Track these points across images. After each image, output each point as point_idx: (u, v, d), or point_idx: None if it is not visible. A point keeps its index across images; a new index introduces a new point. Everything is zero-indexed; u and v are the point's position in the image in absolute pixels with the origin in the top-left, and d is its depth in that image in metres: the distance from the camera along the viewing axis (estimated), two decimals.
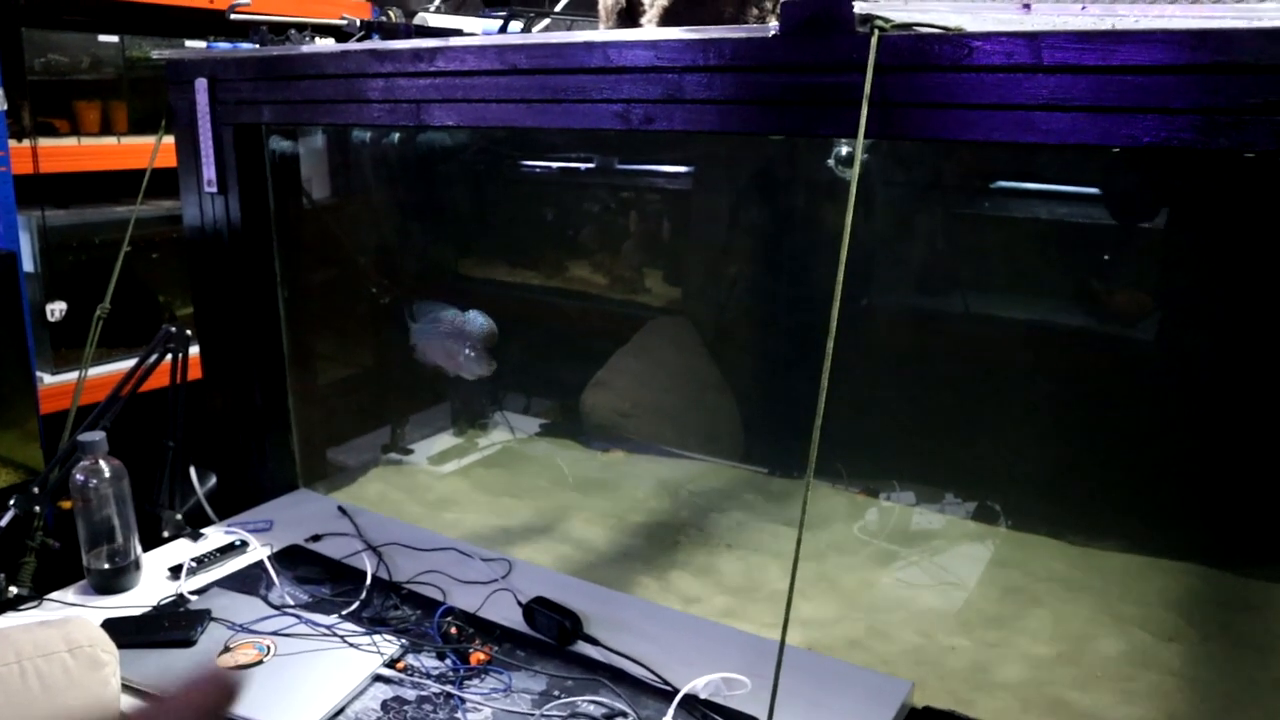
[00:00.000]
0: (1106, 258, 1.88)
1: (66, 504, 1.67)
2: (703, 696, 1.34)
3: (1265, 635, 1.74)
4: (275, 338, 2.00)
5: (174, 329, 1.74)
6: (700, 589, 1.83)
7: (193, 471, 1.94)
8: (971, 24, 1.15)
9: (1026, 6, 1.13)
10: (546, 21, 1.82)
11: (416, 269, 2.55)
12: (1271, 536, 1.86)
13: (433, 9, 2.01)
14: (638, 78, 1.32)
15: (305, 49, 1.70)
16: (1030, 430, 1.94)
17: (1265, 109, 0.96)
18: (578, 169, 2.65)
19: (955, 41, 1.12)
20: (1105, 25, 1.06)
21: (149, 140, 2.00)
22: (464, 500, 2.15)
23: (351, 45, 1.63)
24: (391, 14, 1.70)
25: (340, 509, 1.93)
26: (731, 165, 2.38)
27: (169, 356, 1.76)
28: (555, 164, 2.61)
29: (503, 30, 1.73)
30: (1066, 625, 1.72)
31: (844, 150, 1.67)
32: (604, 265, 2.68)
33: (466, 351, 1.95)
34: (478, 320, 1.98)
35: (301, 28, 1.88)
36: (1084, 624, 1.73)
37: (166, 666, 1.38)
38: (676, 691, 1.33)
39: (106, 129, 2.56)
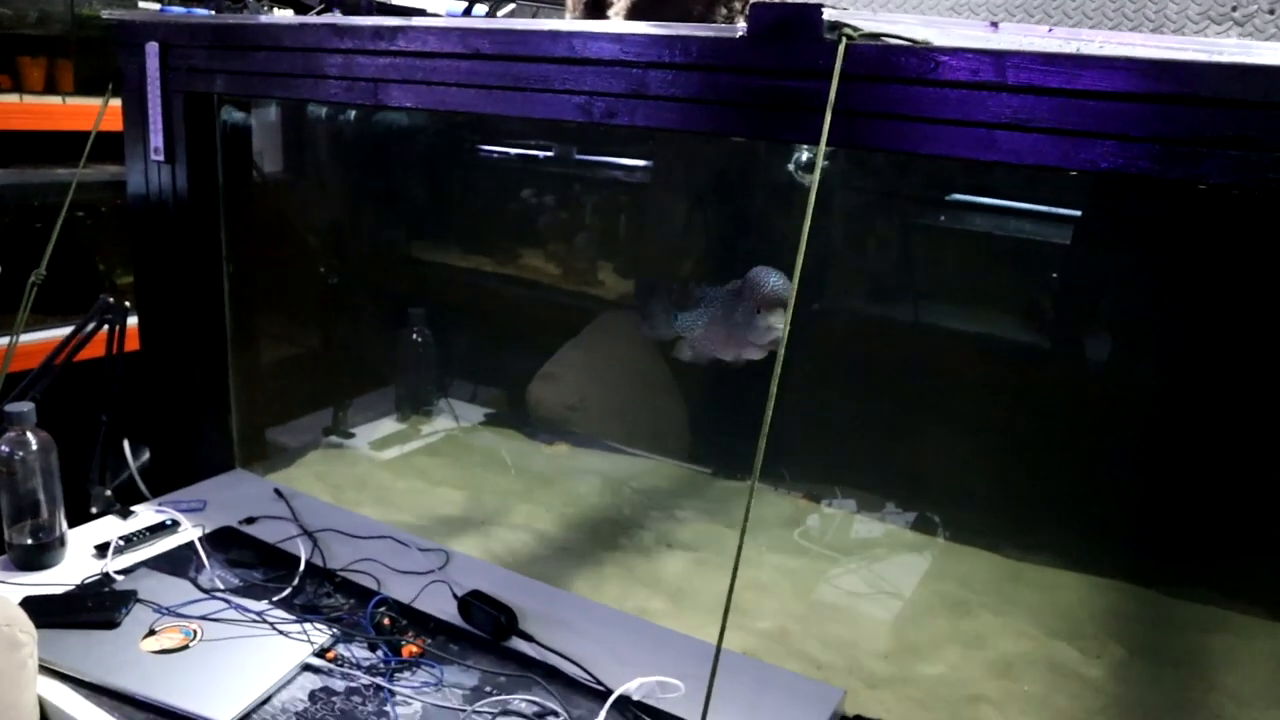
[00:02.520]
0: (1054, 275, 1.90)
1: None
2: (636, 698, 1.33)
3: (1187, 654, 1.77)
4: (218, 313, 1.95)
5: (111, 300, 1.69)
6: (639, 588, 1.82)
7: (126, 445, 1.89)
8: (939, 38, 1.14)
9: (994, 25, 1.13)
10: (511, 7, 1.79)
11: (366, 250, 2.50)
12: (1196, 557, 1.91)
13: None
14: (602, 70, 1.30)
15: (263, 19, 1.66)
16: (971, 442, 1.96)
17: (1220, 143, 0.97)
18: (536, 156, 2.62)
19: (922, 55, 1.12)
20: (1070, 49, 1.06)
21: (95, 102, 1.94)
22: (404, 488, 2.12)
23: (311, 18, 1.59)
24: None
25: (276, 491, 1.89)
26: (691, 162, 2.38)
27: (105, 327, 1.71)
28: (513, 150, 2.58)
29: (467, 13, 1.70)
30: (998, 639, 1.74)
31: (804, 156, 1.67)
32: (557, 255, 2.66)
33: (756, 322, 1.48)
34: (769, 278, 1.51)
35: None
36: (1015, 638, 1.75)
37: (88, 648, 1.34)
38: (610, 692, 1.32)
39: (51, 88, 2.48)
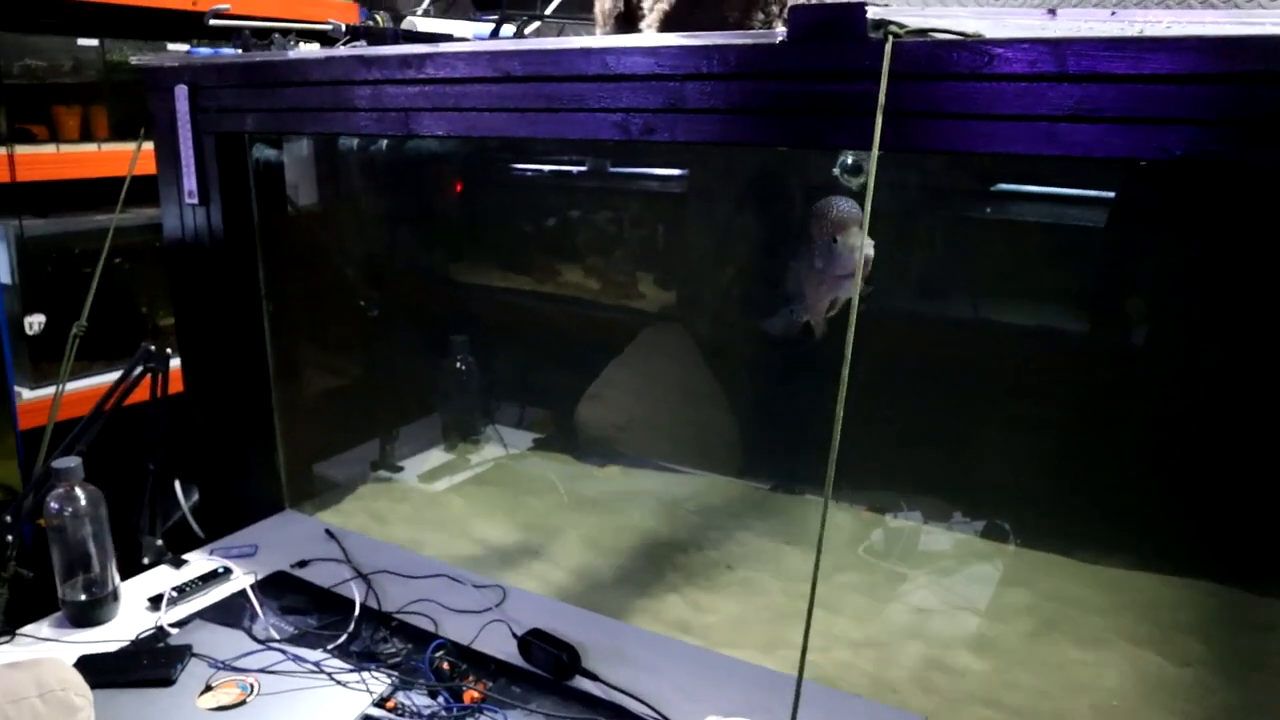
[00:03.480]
0: (1124, 268, 1.82)
1: (44, 521, 1.60)
2: None
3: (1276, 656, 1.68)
4: (260, 352, 1.93)
5: (153, 347, 1.67)
6: (702, 614, 1.76)
7: (177, 486, 1.88)
8: (991, 30, 1.08)
9: (1051, 12, 1.07)
10: (537, 24, 1.75)
11: (405, 276, 2.48)
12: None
13: (420, 12, 1.94)
14: (637, 86, 1.25)
15: (290, 54, 1.64)
16: (1039, 444, 1.89)
17: None
18: (570, 172, 2.59)
19: (974, 49, 1.06)
20: (1134, 32, 0.99)
21: (130, 147, 1.93)
22: (456, 520, 2.09)
23: (337, 50, 1.56)
24: (379, 18, 1.63)
25: (328, 532, 1.87)
26: (729, 169, 2.33)
27: (149, 375, 1.69)
28: (546, 167, 2.55)
29: (494, 35, 1.66)
30: (1080, 650, 1.66)
31: (849, 159, 1.61)
32: (597, 270, 2.62)
33: (836, 250, 1.38)
34: (835, 203, 1.42)
35: (285, 32, 1.81)
36: (1098, 649, 1.67)
37: (144, 707, 1.31)
38: None
39: (86, 135, 2.48)
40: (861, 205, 2.00)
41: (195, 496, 2.01)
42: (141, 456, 1.75)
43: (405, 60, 1.47)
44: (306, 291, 2.09)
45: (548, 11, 1.65)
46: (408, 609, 1.59)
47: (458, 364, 2.31)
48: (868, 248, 1.31)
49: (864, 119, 1.10)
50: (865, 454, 2.08)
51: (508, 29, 1.67)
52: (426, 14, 1.87)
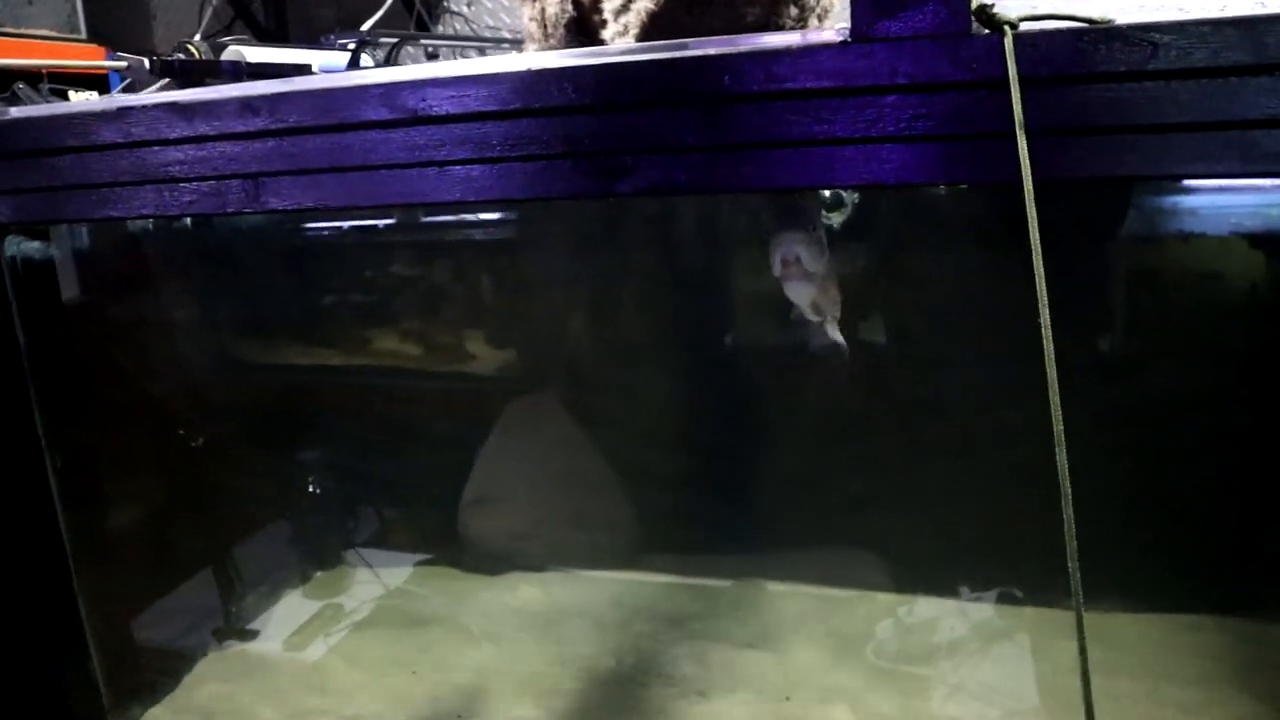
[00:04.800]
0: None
1: None
2: None
3: None
4: (49, 522, 1.40)
5: None
6: None
7: None
8: (1122, 14, 0.80)
9: None
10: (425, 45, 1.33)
11: (231, 393, 1.97)
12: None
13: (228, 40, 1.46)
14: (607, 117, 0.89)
15: (60, 109, 1.14)
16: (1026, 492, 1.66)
17: None
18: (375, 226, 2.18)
19: (1131, 39, 0.77)
20: None
21: None
22: (347, 692, 1.61)
23: (140, 97, 1.09)
24: (195, 49, 1.16)
25: None
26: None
27: None
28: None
29: (353, 65, 1.24)
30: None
31: (829, 192, 1.31)
32: (428, 336, 2.22)
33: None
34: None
35: (35, 78, 1.31)
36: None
37: None
38: None
39: None
40: (836, 243, 1.73)
41: None
42: None
43: (248, 104, 1.03)
44: (104, 426, 1.56)
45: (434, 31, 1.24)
46: None
47: (309, 486, 1.83)
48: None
49: (983, 142, 0.80)
50: (840, 525, 1.81)
51: (367, 59, 1.25)
52: (247, 42, 1.39)
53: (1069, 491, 0.74)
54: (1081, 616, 0.76)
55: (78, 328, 1.53)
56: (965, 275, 1.63)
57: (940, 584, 1.67)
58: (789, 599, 1.78)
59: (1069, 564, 0.76)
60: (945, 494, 1.66)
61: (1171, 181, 1.54)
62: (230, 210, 1.07)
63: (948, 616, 1.62)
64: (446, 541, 1.99)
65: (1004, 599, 1.64)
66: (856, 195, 1.31)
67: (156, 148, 1.08)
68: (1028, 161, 0.75)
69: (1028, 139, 0.77)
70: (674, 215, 1.91)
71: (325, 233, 2.16)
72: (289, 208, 1.04)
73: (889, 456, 1.71)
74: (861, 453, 1.74)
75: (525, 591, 1.85)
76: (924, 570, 1.70)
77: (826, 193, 1.29)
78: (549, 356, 2.15)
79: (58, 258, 1.41)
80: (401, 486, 2.14)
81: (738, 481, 1.85)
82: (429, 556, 2.00)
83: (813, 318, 1.17)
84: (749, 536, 1.83)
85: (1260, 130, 0.76)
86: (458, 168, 0.96)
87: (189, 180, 1.08)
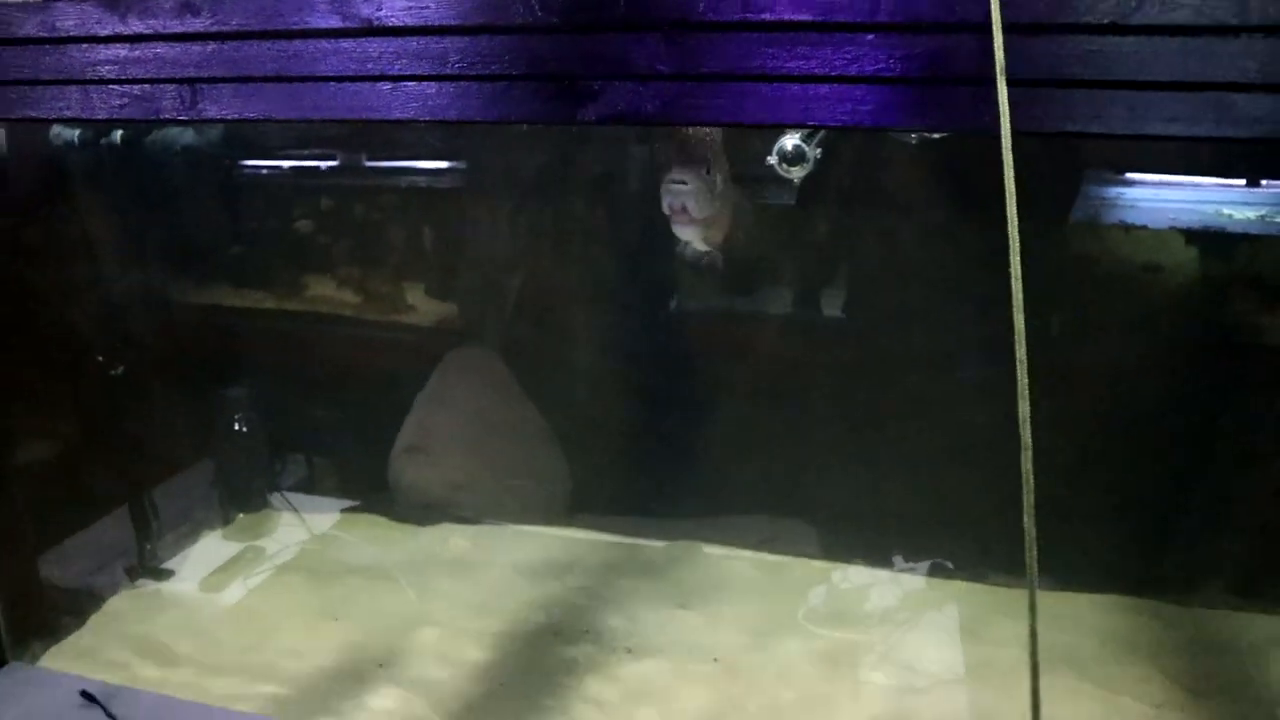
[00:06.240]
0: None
1: None
2: None
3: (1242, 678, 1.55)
4: None
5: None
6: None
7: None
8: None
9: None
10: None
11: (155, 319, 1.88)
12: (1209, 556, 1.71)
13: None
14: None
15: None
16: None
17: None
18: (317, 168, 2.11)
19: None
20: None
21: None
22: (266, 639, 1.55)
23: None
24: None
25: (84, 694, 1.30)
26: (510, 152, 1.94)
27: None
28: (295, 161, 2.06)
29: None
30: (1059, 706, 1.44)
31: (789, 144, 1.28)
32: (362, 283, 2.16)
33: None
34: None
35: None
36: (1075, 699, 1.46)
37: None
38: None
39: None
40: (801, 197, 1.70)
41: None
42: None
43: (187, 3, 0.96)
44: (17, 348, 1.48)
45: None
46: None
47: (235, 425, 1.76)
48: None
49: (955, 89, 0.77)
50: (778, 482, 1.80)
51: None
52: None
53: (1030, 474, 0.72)
54: (1035, 597, 0.75)
55: None
56: (923, 235, 1.63)
57: (873, 553, 1.68)
58: (724, 562, 1.76)
59: (1026, 543, 0.74)
60: (884, 462, 1.67)
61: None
62: (163, 117, 1.01)
63: (880, 585, 1.62)
64: (376, 489, 1.95)
65: (935, 571, 1.65)
66: (819, 150, 1.28)
67: (85, 45, 1.01)
68: (1007, 109, 0.73)
69: (1007, 86, 0.75)
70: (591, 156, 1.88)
71: (265, 171, 2.09)
72: (228, 117, 0.98)
73: (831, 423, 1.71)
74: (803, 417, 1.73)
75: (455, 543, 1.81)
76: (858, 538, 1.70)
77: (788, 145, 1.27)
78: (477, 305, 2.11)
79: None
80: (332, 432, 2.09)
81: (674, 437, 1.84)
82: (357, 503, 1.94)
83: (702, 248, 1.28)
84: (686, 496, 1.82)
85: (1240, 94, 0.75)
86: (412, 84, 0.91)
87: (119, 82, 1.01)
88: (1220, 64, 0.74)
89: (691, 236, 1.25)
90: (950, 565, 1.63)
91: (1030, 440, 0.70)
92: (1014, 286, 0.70)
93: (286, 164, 2.09)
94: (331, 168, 2.10)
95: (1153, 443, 1.69)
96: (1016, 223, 0.72)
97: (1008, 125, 0.73)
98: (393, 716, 1.39)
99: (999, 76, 0.74)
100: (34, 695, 1.32)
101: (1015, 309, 0.69)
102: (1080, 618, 1.65)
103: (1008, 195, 0.72)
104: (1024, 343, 0.70)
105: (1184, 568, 1.72)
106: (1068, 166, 1.66)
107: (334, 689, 1.44)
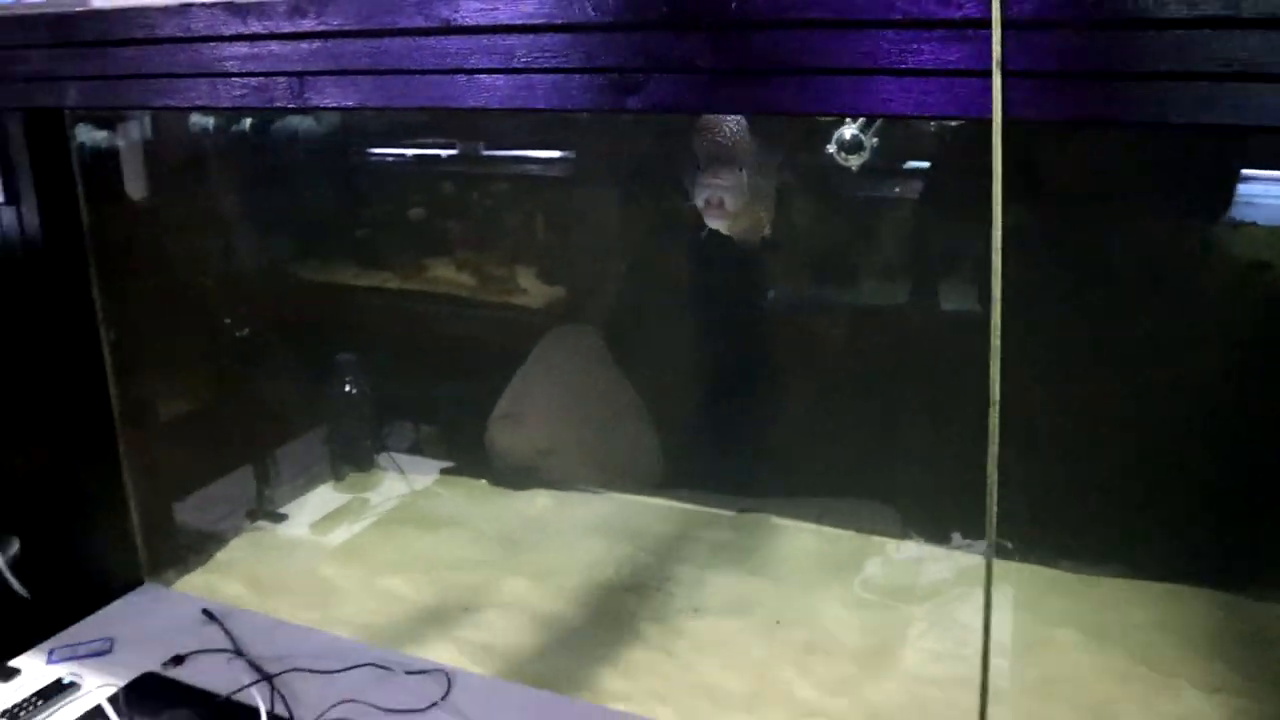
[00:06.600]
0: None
1: None
2: None
3: None
4: (98, 384, 1.51)
5: None
6: (679, 673, 1.48)
7: None
8: None
9: None
10: None
11: (279, 290, 2.07)
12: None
13: None
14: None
15: (125, 2, 1.23)
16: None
17: None
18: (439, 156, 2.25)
19: None
20: None
21: None
22: (365, 579, 1.72)
23: None
24: None
25: (206, 612, 1.48)
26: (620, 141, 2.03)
27: None
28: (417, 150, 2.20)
29: None
30: (1104, 686, 1.47)
31: (848, 134, 1.35)
32: (474, 264, 2.29)
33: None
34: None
35: None
36: (1123, 683, 1.49)
37: None
38: None
39: None
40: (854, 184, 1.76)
41: (13, 549, 1.58)
42: None
43: (297, 7, 1.10)
44: (158, 312, 1.67)
45: None
46: (329, 716, 1.24)
47: (346, 388, 1.94)
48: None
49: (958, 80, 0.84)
50: (844, 464, 1.86)
51: None
52: None
53: (997, 429, 0.78)
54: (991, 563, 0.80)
55: (136, 215, 1.63)
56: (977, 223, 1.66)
57: (933, 530, 1.73)
58: (791, 533, 1.84)
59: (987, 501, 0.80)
60: (947, 444, 1.71)
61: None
62: (276, 105, 1.15)
63: (936, 560, 1.67)
64: (475, 454, 2.09)
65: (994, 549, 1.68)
66: (875, 140, 1.34)
67: (213, 44, 1.16)
68: (1000, 101, 0.80)
69: (1002, 78, 0.81)
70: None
71: (390, 159, 2.24)
72: (328, 105, 1.12)
73: (901, 410, 1.76)
74: (871, 406, 1.78)
75: (541, 503, 1.94)
76: (920, 515, 1.75)
77: (846, 134, 1.33)
78: (594, 295, 2.22)
79: (122, 148, 1.51)
80: (440, 401, 2.24)
81: (747, 422, 1.91)
82: (456, 465, 2.09)
83: (728, 233, 1.40)
84: (754, 470, 1.89)
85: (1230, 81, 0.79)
86: (484, 76, 1.03)
87: (240, 75, 1.16)
88: (1209, 55, 0.79)
89: (724, 227, 1.39)
90: (1010, 545, 1.67)
91: (998, 396, 0.76)
92: (994, 260, 0.76)
93: (410, 152, 2.25)
94: (451, 156, 2.25)
95: (1234, 440, 1.68)
96: (1001, 210, 0.78)
97: (999, 116, 0.79)
98: (477, 654, 1.52)
99: (995, 68, 0.80)
100: (166, 610, 1.51)
101: (994, 277, 0.76)
102: (1147, 604, 1.67)
103: (994, 185, 0.79)
104: (999, 308, 0.76)
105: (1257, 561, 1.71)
106: (1173, 162, 1.65)
107: (422, 625, 1.59)
